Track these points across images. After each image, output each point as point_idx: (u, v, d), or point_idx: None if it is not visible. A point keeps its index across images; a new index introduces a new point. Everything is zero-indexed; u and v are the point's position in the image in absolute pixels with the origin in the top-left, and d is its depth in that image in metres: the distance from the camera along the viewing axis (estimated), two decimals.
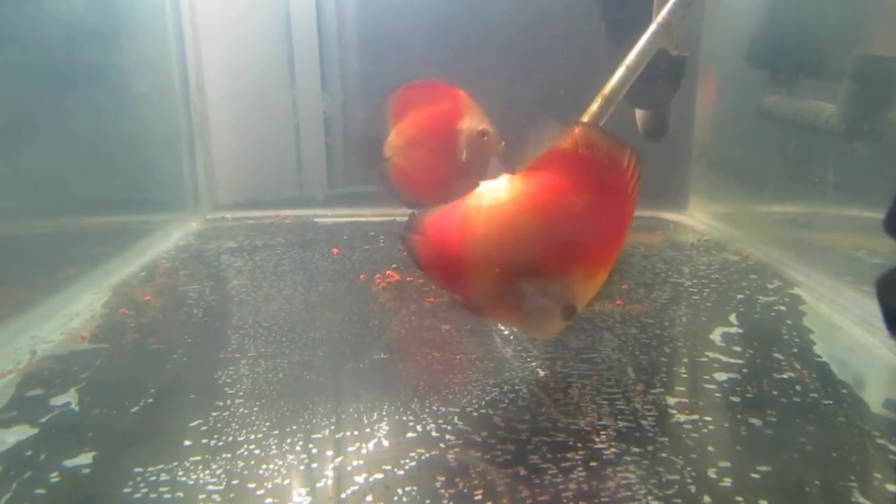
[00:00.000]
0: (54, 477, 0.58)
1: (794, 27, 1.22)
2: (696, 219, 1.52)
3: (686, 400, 0.72)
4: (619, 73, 1.05)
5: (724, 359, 0.82)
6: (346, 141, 1.62)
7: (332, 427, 0.66)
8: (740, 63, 1.33)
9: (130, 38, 1.33)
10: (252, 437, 0.64)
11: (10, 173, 0.94)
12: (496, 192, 0.62)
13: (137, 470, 0.59)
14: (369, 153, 1.06)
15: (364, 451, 0.62)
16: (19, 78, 0.99)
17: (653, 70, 1.07)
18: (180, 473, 0.58)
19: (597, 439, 0.64)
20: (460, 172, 1.01)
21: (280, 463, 0.60)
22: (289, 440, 0.64)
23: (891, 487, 0.58)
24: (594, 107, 1.05)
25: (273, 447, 0.63)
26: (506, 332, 0.88)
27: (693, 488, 0.57)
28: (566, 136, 0.59)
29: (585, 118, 1.05)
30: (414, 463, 0.60)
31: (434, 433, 0.65)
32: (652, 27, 1.06)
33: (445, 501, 0.55)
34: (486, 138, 0.94)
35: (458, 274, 0.63)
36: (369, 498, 0.55)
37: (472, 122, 0.94)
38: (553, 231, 0.59)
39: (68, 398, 0.72)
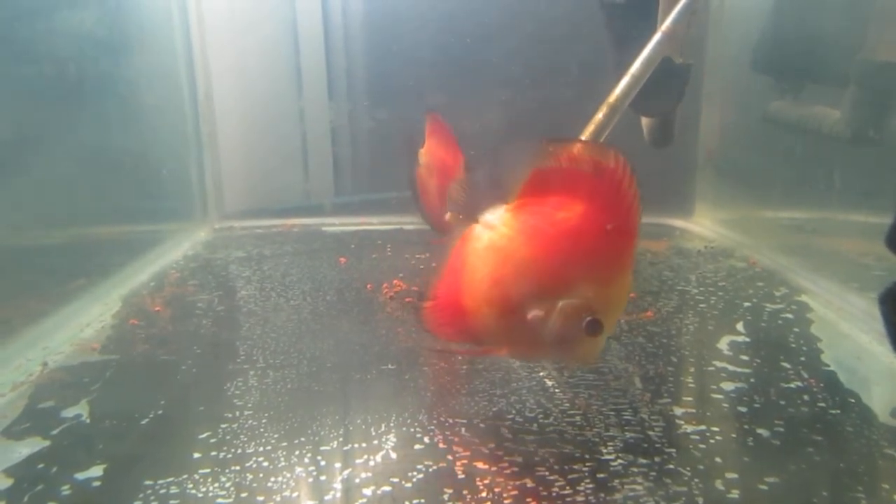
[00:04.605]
0: (65, 490, 0.59)
1: (800, 33, 1.22)
2: (703, 225, 1.52)
3: (693, 410, 0.72)
4: (625, 81, 1.05)
5: (731, 368, 0.82)
6: (355, 149, 1.63)
7: (340, 439, 0.66)
8: (746, 69, 1.34)
9: (140, 51, 1.35)
10: (261, 449, 0.65)
11: (20, 185, 0.95)
12: (491, 230, 0.62)
13: (147, 482, 0.59)
14: (411, 153, 1.09)
15: (372, 463, 0.62)
16: (31, 92, 1.00)
17: (658, 78, 1.07)
18: (190, 486, 0.59)
19: (604, 450, 0.64)
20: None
21: (289, 475, 0.61)
22: (297, 452, 0.64)
23: None
24: (599, 115, 1.05)
25: (282, 459, 0.63)
26: None
27: (700, 500, 0.57)
28: (546, 155, 0.59)
29: (591, 127, 1.06)
30: (421, 475, 0.60)
31: (441, 444, 0.65)
32: (657, 36, 1.07)
33: None
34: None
35: (470, 325, 0.62)
36: None
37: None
38: (549, 253, 0.58)
39: (79, 410, 0.73)
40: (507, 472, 0.61)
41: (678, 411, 0.71)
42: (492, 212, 0.63)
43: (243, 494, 0.58)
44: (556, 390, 0.75)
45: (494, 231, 0.62)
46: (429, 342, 0.82)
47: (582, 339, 0.56)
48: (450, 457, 0.63)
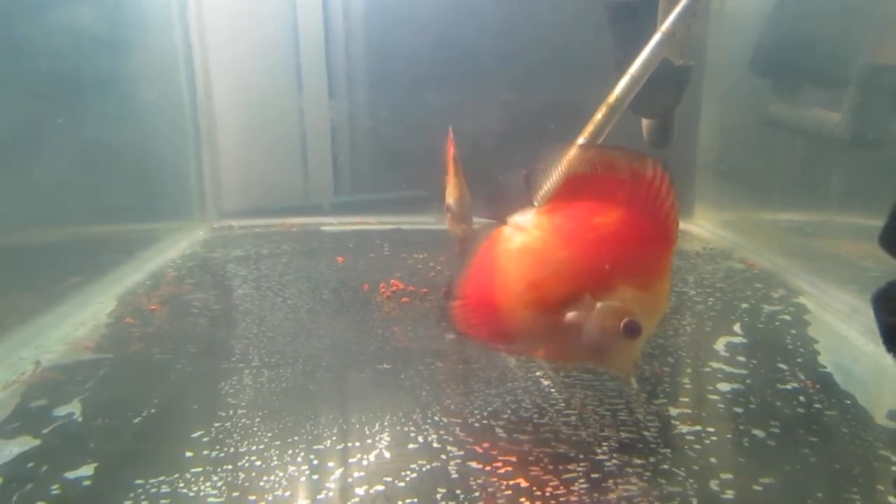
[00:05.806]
0: (55, 489, 0.59)
1: (800, 36, 1.22)
2: (702, 227, 1.52)
3: (689, 411, 0.71)
4: (624, 82, 1.05)
5: (727, 369, 0.81)
6: (354, 149, 1.63)
7: (334, 438, 0.66)
8: (745, 71, 1.33)
9: (139, 48, 1.34)
10: (254, 448, 0.64)
11: (16, 182, 0.95)
12: (523, 231, 0.62)
13: (139, 482, 0.59)
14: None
15: (366, 462, 0.62)
16: (29, 88, 0.99)
17: (657, 79, 1.07)
18: (181, 485, 0.59)
19: (599, 451, 0.63)
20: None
21: (282, 474, 0.60)
22: (291, 451, 0.64)
23: (893, 500, 0.57)
24: (598, 116, 1.05)
25: (275, 458, 0.63)
26: None
27: (695, 501, 0.57)
28: (581, 160, 0.59)
29: (590, 127, 1.05)
30: (415, 474, 0.60)
31: (436, 444, 0.65)
32: (656, 37, 1.06)
33: None
34: (447, 212, 0.97)
35: (505, 327, 0.62)
36: None
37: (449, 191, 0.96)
38: (585, 256, 0.58)
39: (71, 409, 0.72)
40: (502, 471, 0.60)
41: (674, 412, 0.71)
42: (520, 214, 0.63)
43: (235, 494, 0.57)
44: (552, 390, 0.75)
45: (527, 233, 0.61)
46: (460, 340, 0.81)
47: (619, 343, 0.56)
48: (444, 456, 0.63)
